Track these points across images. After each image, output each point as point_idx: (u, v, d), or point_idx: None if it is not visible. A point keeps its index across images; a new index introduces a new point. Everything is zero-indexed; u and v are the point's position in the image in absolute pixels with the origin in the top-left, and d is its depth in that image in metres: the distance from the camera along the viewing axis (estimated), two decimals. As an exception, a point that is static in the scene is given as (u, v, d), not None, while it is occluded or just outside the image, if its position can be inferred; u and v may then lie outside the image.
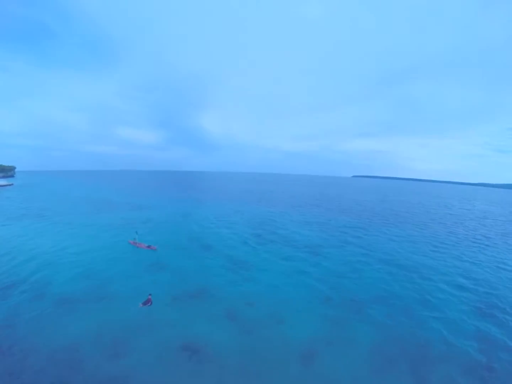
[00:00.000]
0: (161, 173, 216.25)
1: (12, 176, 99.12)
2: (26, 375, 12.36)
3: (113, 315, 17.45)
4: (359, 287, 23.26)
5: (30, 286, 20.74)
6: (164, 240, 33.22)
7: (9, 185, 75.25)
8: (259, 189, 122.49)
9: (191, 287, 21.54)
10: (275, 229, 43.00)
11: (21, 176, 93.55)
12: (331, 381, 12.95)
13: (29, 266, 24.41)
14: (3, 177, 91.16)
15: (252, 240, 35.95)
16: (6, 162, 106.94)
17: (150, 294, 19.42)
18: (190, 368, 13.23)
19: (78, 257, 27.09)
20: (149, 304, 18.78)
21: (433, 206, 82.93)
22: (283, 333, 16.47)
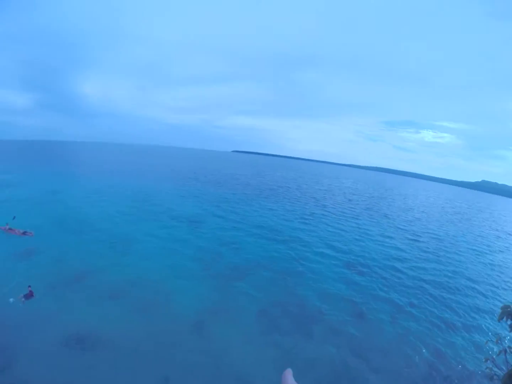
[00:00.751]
0: (27, 143, 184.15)
1: None
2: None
3: None
4: (237, 255, 25.22)
5: None
6: (32, 223, 28.38)
7: None
8: (137, 162, 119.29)
9: (70, 272, 20.04)
10: (153, 202, 43.40)
11: None
12: (225, 347, 13.99)
13: None
14: None
15: (129, 215, 35.54)
16: None
17: (29, 286, 17.13)
18: (84, 359, 12.70)
19: None
20: (32, 297, 16.80)
21: (306, 182, 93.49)
22: (170, 307, 16.96)
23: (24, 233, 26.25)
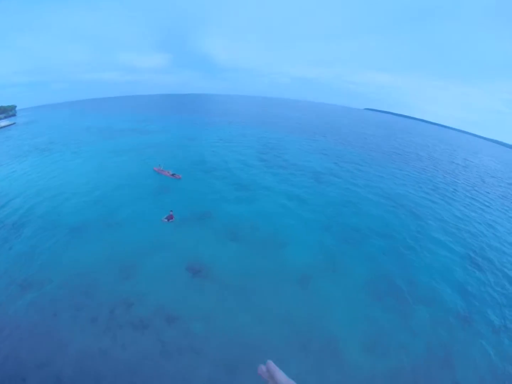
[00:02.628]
0: (166, 97, 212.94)
1: (13, 115, 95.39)
2: (44, 304, 13.63)
3: (126, 238, 19.13)
4: (358, 219, 24.27)
5: (41, 220, 21.26)
6: (170, 164, 34.03)
7: (11, 124, 72.33)
8: (265, 114, 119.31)
9: (199, 209, 23.19)
10: (280, 154, 44.34)
11: (23, 114, 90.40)
12: (323, 306, 14.41)
13: (38, 202, 24.48)
14: (5, 117, 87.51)
15: (257, 164, 37.66)
16: (6, 103, 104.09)
17: (171, 211, 21.28)
18: (194, 286, 15.12)
19: (90, 186, 27.94)
20: (172, 219, 20.97)
21: (439, 152, 76.59)
22: (282, 256, 18.03)
23: (173, 175, 30.61)
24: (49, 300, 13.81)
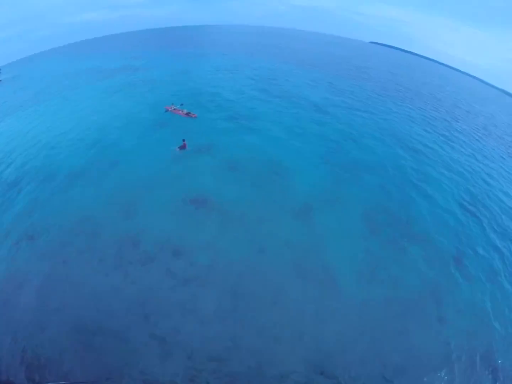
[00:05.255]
0: (156, 31, 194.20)
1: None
2: (53, 253, 13.64)
3: (127, 176, 18.87)
4: (360, 152, 23.99)
5: (39, 171, 20.54)
6: (168, 98, 32.60)
7: (-5, 83, 66.86)
8: (263, 44, 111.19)
9: (198, 142, 22.59)
10: (278, 84, 42.95)
11: (7, 70, 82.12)
12: (321, 235, 14.94)
13: (33, 153, 23.57)
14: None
15: (256, 95, 36.12)
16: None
17: (184, 140, 21.11)
18: (198, 218, 15.45)
19: (85, 129, 26.73)
20: (185, 148, 21.00)
21: (444, 93, 69.47)
22: (281, 185, 18.34)
23: (188, 114, 28.41)
24: (57, 248, 13.84)
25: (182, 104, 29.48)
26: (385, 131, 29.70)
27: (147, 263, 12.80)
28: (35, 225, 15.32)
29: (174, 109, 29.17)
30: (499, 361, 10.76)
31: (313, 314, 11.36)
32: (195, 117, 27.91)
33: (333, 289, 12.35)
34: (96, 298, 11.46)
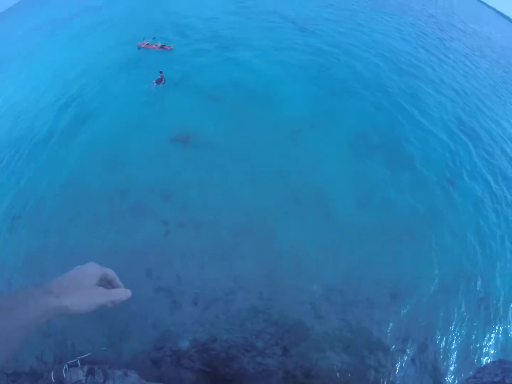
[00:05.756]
0: None
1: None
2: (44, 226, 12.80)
3: (105, 127, 17.37)
4: (347, 72, 22.38)
5: (12, 141, 18.81)
6: (134, 35, 28.89)
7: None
8: None
9: (175, 74, 20.91)
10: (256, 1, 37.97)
11: None
12: (314, 159, 14.45)
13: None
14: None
15: (230, 17, 32.22)
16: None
17: (161, 72, 19.57)
18: (183, 156, 14.50)
19: (52, 87, 24.08)
20: (163, 82, 19.45)
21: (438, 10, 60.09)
22: (268, 112, 17.15)
23: (163, 46, 25.97)
24: (46, 219, 13.03)
25: (154, 38, 26.54)
26: (373, 49, 27.01)
27: (139, 214, 12.22)
28: (18, 198, 14.22)
29: (147, 44, 26.45)
30: (485, 286, 11.05)
31: (311, 243, 11.27)
32: (171, 49, 25.44)
33: (329, 214, 12.13)
34: (95, 259, 10.64)
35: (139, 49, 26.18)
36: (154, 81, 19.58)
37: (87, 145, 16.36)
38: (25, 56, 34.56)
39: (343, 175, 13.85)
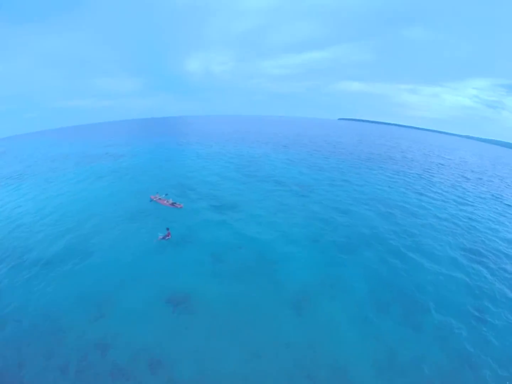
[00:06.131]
0: (142, 121, 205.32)
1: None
2: (10, 351, 11.88)
3: (99, 270, 17.27)
4: (346, 227, 23.15)
5: (11, 256, 19.20)
6: (147, 187, 32.51)
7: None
8: (243, 130, 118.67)
9: (178, 232, 21.60)
10: (259, 168, 43.83)
11: None
12: (324, 327, 13.11)
13: (6, 236, 22.36)
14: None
15: (238, 179, 37.05)
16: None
17: (168, 228, 20.77)
18: (178, 321, 13.23)
19: (62, 215, 25.86)
20: (168, 237, 20.36)
21: (415, 152, 76.90)
22: (273, 278, 16.53)
23: (174, 204, 27.30)
24: (14, 348, 11.89)
25: (167, 194, 28.79)
26: (367, 204, 28.64)
27: (118, 377, 10.46)
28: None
29: (159, 198, 28.45)
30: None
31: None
32: (181, 207, 26.89)
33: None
34: None
35: (151, 201, 28.12)
36: (161, 237, 20.19)
37: (73, 281, 15.94)
38: (46, 178, 39.12)
39: (357, 342, 12.29)
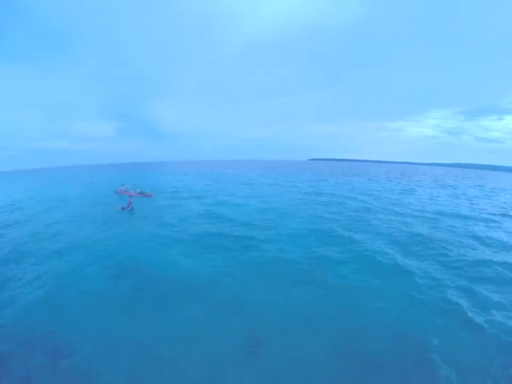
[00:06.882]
0: (115, 166, 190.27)
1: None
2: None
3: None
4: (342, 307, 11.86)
5: None
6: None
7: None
8: (215, 174, 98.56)
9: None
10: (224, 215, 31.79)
11: None
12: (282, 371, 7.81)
13: None
14: None
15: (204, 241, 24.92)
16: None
17: (130, 197, 21.51)
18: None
19: None
20: (129, 208, 20.03)
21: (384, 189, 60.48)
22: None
23: (141, 192, 27.01)
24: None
25: (135, 184, 29.60)
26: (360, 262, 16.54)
27: None
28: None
29: (125, 191, 28.22)
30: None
31: None
32: (151, 196, 26.42)
33: None
34: None
35: (116, 193, 27.81)
36: (121, 206, 19.93)
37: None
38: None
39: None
